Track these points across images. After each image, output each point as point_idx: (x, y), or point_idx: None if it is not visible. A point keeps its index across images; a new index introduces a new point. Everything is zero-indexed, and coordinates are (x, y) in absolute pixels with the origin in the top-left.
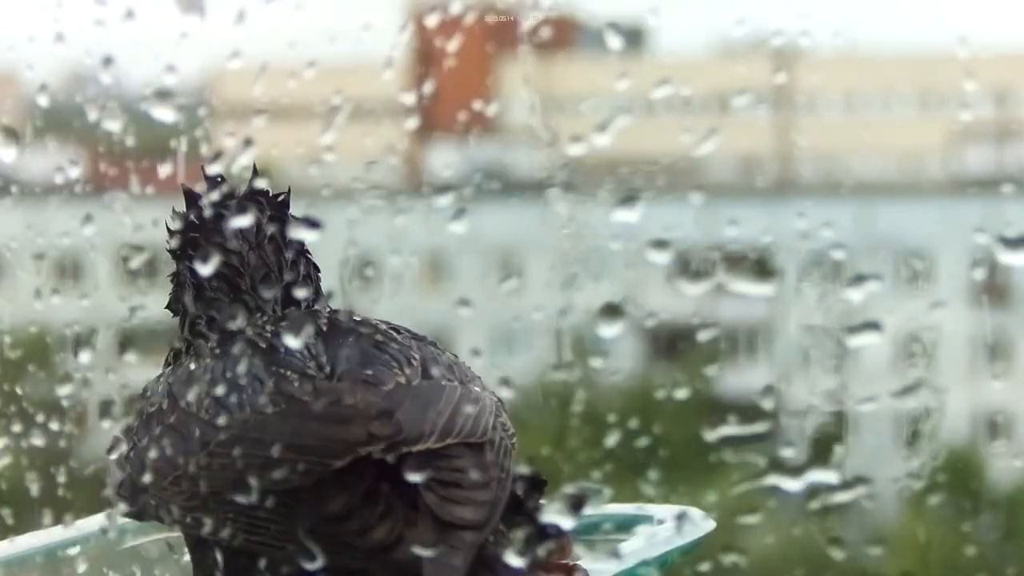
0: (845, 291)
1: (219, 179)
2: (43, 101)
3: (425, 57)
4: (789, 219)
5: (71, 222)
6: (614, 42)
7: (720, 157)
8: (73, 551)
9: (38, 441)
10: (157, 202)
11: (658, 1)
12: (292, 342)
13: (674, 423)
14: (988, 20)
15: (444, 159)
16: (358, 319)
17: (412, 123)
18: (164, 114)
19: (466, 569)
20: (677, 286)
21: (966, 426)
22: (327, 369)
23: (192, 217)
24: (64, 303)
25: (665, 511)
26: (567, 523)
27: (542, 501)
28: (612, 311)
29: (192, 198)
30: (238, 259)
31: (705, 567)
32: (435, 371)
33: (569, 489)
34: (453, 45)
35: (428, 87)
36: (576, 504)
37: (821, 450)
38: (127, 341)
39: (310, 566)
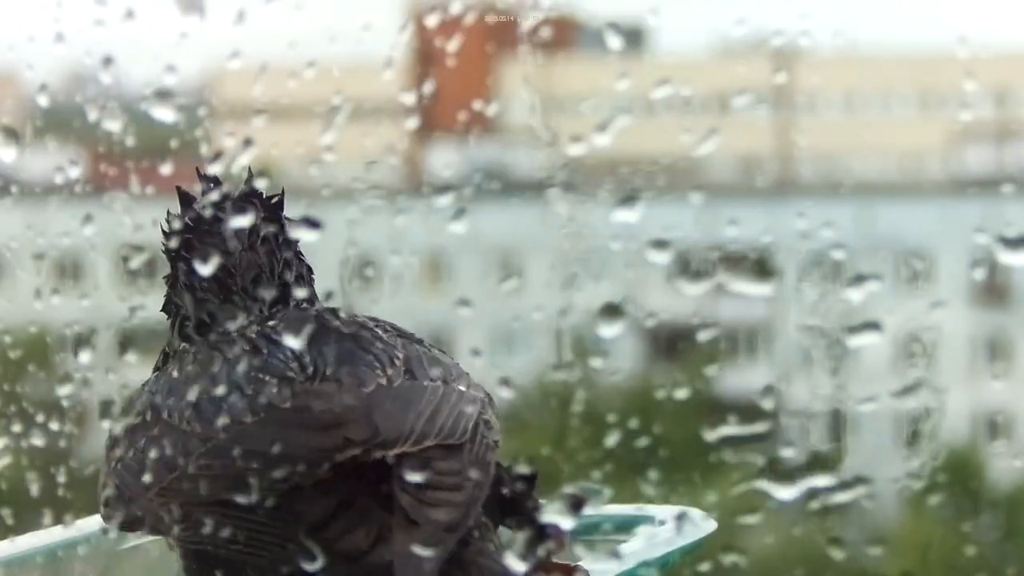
0: (845, 291)
1: (213, 181)
2: (43, 101)
3: (425, 57)
4: (789, 219)
5: (71, 222)
6: (614, 42)
7: (720, 157)
8: (73, 551)
9: (38, 441)
10: (157, 202)
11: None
12: (276, 343)
13: (674, 423)
14: (988, 20)
15: (444, 159)
16: (344, 317)
17: (412, 123)
18: (164, 114)
19: (436, 570)
20: (677, 286)
21: (966, 426)
22: (310, 370)
23: (185, 218)
24: (64, 303)
25: (665, 512)
26: (567, 523)
27: (540, 500)
28: (612, 311)
29: (186, 199)
30: (229, 260)
31: (705, 567)
32: (418, 371)
33: (569, 489)
34: (453, 45)
35: (428, 87)
36: (576, 504)
37: (821, 453)
38: (127, 341)
39: (288, 572)
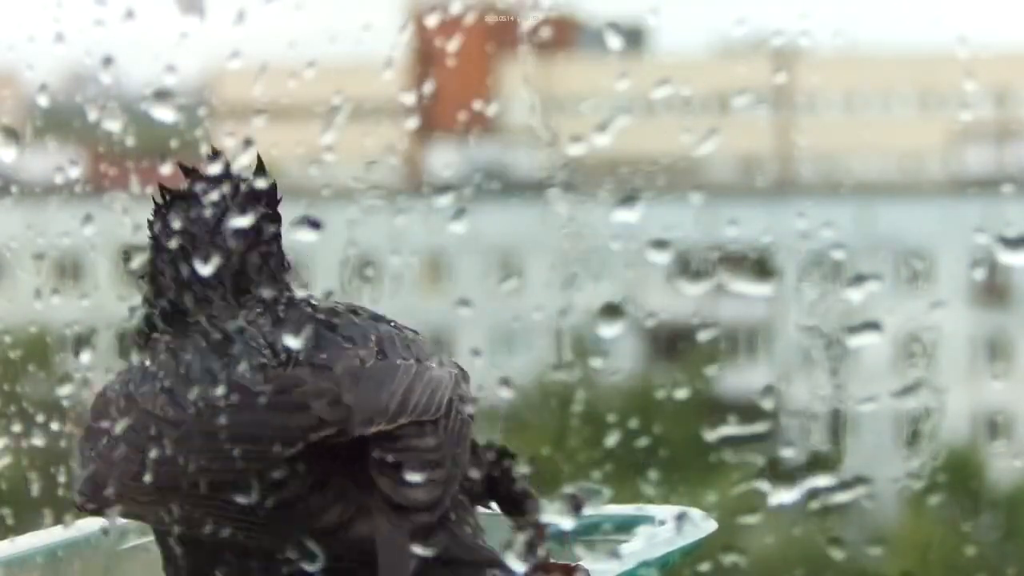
0: (845, 291)
1: (209, 177)
2: (43, 101)
3: (425, 57)
4: (789, 219)
5: (71, 222)
6: (614, 42)
7: (720, 157)
8: (73, 551)
9: (38, 441)
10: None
11: (658, 1)
12: (249, 331)
13: (674, 423)
14: (988, 20)
15: (444, 159)
16: (316, 302)
17: (412, 123)
18: (164, 114)
19: (418, 548)
20: (677, 286)
21: (966, 426)
22: (282, 355)
23: (162, 210)
24: (64, 303)
25: (665, 512)
26: (567, 523)
27: (520, 476)
28: (612, 311)
29: (166, 193)
30: (193, 247)
31: (705, 567)
32: (391, 351)
33: (569, 489)
34: (453, 45)
35: (428, 87)
36: (576, 504)
37: (821, 453)
38: (127, 341)
39: (265, 550)
